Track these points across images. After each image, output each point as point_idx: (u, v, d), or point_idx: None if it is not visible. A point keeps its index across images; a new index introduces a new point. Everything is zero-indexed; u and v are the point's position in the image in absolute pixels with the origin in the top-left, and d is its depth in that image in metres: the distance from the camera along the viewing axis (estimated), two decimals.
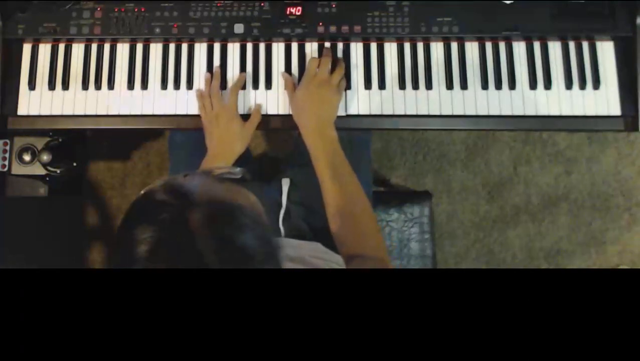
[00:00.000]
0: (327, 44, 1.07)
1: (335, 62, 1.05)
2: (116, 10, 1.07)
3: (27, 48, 1.09)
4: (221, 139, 1.03)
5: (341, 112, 1.06)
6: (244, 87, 1.07)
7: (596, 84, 1.05)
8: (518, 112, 1.05)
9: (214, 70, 1.07)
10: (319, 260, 1.04)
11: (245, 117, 1.05)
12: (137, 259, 0.55)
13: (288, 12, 1.06)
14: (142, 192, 0.62)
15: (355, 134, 1.22)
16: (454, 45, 1.07)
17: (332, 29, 1.06)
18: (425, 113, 1.05)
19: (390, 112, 1.06)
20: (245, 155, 1.28)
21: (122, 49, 1.09)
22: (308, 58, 1.08)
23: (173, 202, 0.57)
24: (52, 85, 1.08)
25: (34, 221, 1.67)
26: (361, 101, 1.06)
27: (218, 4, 1.07)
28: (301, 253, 1.02)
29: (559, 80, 1.06)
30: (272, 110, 1.06)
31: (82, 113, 1.07)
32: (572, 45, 1.07)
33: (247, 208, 0.60)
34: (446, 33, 1.05)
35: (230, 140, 1.03)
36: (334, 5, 1.06)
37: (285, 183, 1.16)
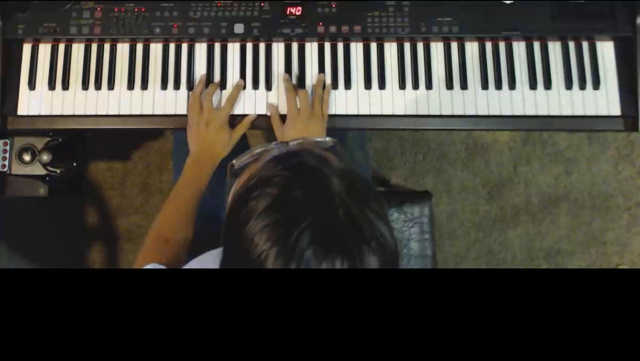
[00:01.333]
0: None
1: (312, 89, 1.05)
2: (116, 10, 1.07)
3: (27, 48, 1.09)
4: (207, 145, 1.02)
5: (341, 112, 1.06)
6: (243, 87, 1.07)
7: (596, 84, 1.05)
8: (518, 112, 1.05)
9: (214, 76, 1.07)
10: None
11: (241, 118, 1.05)
12: (274, 246, 0.51)
13: (288, 12, 1.06)
14: (241, 165, 0.60)
15: (353, 134, 1.22)
16: (454, 45, 1.07)
17: (332, 29, 1.06)
18: (425, 113, 1.05)
19: (390, 112, 1.06)
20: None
21: (122, 49, 1.09)
22: (308, 58, 1.08)
23: (303, 175, 0.55)
24: (52, 85, 1.08)
25: (34, 221, 1.67)
26: (361, 101, 1.06)
27: (218, 4, 1.07)
28: None
29: (559, 80, 1.06)
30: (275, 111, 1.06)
31: (82, 113, 1.07)
32: (572, 45, 1.07)
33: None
34: (446, 33, 1.05)
35: (216, 147, 1.03)
36: (334, 5, 1.06)
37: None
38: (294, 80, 1.07)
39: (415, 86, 1.06)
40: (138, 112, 1.07)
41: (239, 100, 1.06)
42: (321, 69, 1.07)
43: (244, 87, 1.07)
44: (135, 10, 1.07)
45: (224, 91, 1.07)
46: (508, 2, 1.05)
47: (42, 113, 1.08)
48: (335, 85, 1.07)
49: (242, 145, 1.29)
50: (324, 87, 1.06)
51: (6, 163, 1.16)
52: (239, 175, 0.63)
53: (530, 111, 1.05)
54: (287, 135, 1.01)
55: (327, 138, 0.67)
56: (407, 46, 1.08)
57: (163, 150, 1.79)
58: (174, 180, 1.10)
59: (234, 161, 0.64)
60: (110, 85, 1.08)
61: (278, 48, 1.08)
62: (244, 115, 1.06)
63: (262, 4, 1.07)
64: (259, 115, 1.06)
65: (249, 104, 1.07)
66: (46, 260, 1.64)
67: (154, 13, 1.07)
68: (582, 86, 1.05)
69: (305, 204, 0.53)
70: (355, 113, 1.06)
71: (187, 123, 1.05)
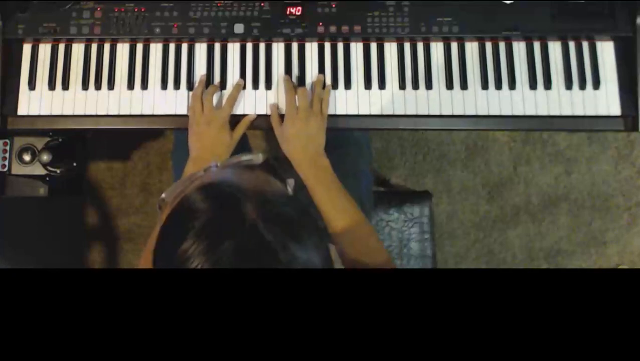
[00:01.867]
0: (295, 66, 1.07)
1: (312, 88, 1.05)
2: (116, 10, 1.07)
3: (27, 48, 1.09)
4: (208, 145, 1.02)
5: (341, 112, 1.06)
6: (243, 87, 1.07)
7: (596, 84, 1.05)
8: (518, 112, 1.05)
9: (214, 76, 1.07)
10: None
11: (241, 117, 1.06)
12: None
13: (288, 12, 1.06)
14: (166, 196, 0.59)
15: (355, 134, 1.22)
16: (454, 45, 1.07)
17: (332, 29, 1.06)
18: (425, 113, 1.05)
19: (390, 112, 1.06)
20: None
21: (122, 49, 1.09)
22: (308, 58, 1.08)
23: (215, 203, 0.55)
24: (52, 85, 1.08)
25: (34, 221, 1.67)
26: (361, 101, 1.06)
27: (218, 4, 1.07)
28: None
29: (559, 80, 1.06)
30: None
31: (82, 113, 1.07)
32: (572, 45, 1.07)
33: (282, 191, 0.60)
34: (446, 33, 1.05)
35: (217, 148, 1.02)
36: (334, 5, 1.06)
37: (290, 184, 1.16)
38: (294, 80, 1.07)
39: (415, 86, 1.06)
40: (138, 112, 1.07)
41: (239, 100, 1.06)
42: (321, 69, 1.07)
43: (244, 87, 1.07)
44: (135, 10, 1.07)
45: (223, 91, 1.07)
46: (508, 2, 1.05)
47: (42, 113, 1.07)
48: (335, 85, 1.07)
49: (242, 145, 1.30)
50: (324, 87, 1.06)
51: (6, 163, 1.16)
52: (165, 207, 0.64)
53: (530, 111, 1.05)
54: (286, 133, 1.01)
55: (259, 155, 0.67)
56: (407, 46, 1.08)
57: (163, 150, 1.79)
58: (174, 181, 1.10)
59: (163, 195, 0.64)
60: (110, 85, 1.08)
61: (278, 48, 1.08)
62: (245, 115, 1.06)
63: (262, 4, 1.07)
64: (259, 115, 1.06)
65: (249, 104, 1.07)
66: (46, 260, 1.64)
67: (154, 13, 1.07)
68: (582, 86, 1.05)
69: (222, 232, 0.53)
70: (355, 113, 1.06)
71: (187, 123, 1.04)
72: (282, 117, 1.04)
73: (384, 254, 0.98)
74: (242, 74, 1.07)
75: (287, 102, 1.03)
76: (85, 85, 1.08)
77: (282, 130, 1.02)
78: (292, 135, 1.00)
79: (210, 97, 1.04)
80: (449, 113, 1.05)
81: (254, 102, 1.07)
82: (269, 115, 1.05)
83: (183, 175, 1.01)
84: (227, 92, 1.07)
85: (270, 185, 0.59)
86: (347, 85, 1.06)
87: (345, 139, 1.20)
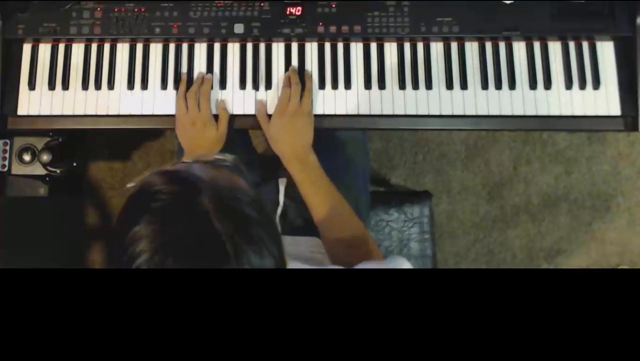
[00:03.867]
0: (294, 64, 1.07)
1: (303, 85, 1.05)
2: (116, 10, 1.07)
3: (27, 48, 1.09)
4: (198, 143, 1.03)
5: (341, 112, 1.06)
6: (243, 87, 1.07)
7: (596, 84, 1.05)
8: (518, 112, 1.05)
9: (214, 79, 1.07)
10: (319, 254, 1.05)
11: (241, 118, 1.06)
12: (142, 254, 0.52)
13: (288, 12, 1.06)
14: (133, 184, 0.60)
15: (353, 134, 1.22)
16: (454, 45, 1.07)
17: (332, 29, 1.06)
18: (425, 113, 1.05)
19: (390, 112, 1.06)
20: (251, 157, 1.28)
21: (122, 49, 1.09)
22: (308, 58, 1.08)
23: (174, 188, 0.56)
24: (52, 85, 1.08)
25: (34, 221, 1.67)
26: (361, 101, 1.06)
27: (218, 4, 1.07)
28: (300, 250, 1.03)
29: (559, 80, 1.06)
30: (272, 111, 1.06)
31: (82, 113, 1.07)
32: (572, 45, 1.07)
33: (247, 190, 0.60)
34: (446, 33, 1.05)
35: (208, 144, 1.03)
36: (334, 5, 1.06)
37: (282, 183, 1.16)
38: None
39: (415, 86, 1.06)
40: (138, 112, 1.07)
41: (240, 101, 1.06)
42: (321, 69, 1.07)
43: (244, 87, 1.07)
44: (135, 10, 1.07)
45: (223, 91, 1.07)
46: (508, 2, 1.05)
47: (42, 113, 1.07)
48: (335, 85, 1.07)
49: (243, 144, 1.30)
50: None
51: (6, 163, 1.16)
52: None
53: (530, 111, 1.05)
54: (273, 128, 1.01)
55: (230, 156, 0.67)
56: (407, 46, 1.08)
57: (163, 150, 1.79)
58: None
59: (129, 184, 0.64)
60: (110, 85, 1.08)
61: (278, 48, 1.08)
62: (245, 115, 1.06)
63: (262, 4, 1.07)
64: (253, 115, 1.06)
65: (249, 104, 1.07)
66: (46, 260, 1.64)
67: (154, 13, 1.07)
68: (582, 86, 1.05)
69: (174, 216, 0.54)
70: (355, 113, 1.06)
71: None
72: (269, 116, 1.04)
73: (375, 252, 0.99)
74: (242, 74, 1.07)
75: (280, 98, 1.03)
76: (85, 85, 1.08)
77: (270, 127, 1.02)
78: (279, 131, 1.01)
79: (193, 95, 1.03)
80: (449, 113, 1.05)
81: (254, 102, 1.07)
82: (270, 115, 1.05)
83: None
84: (226, 92, 1.07)
85: (233, 184, 0.60)
86: (347, 85, 1.06)
87: (343, 140, 1.21)
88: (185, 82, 1.06)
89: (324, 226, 0.98)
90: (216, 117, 1.05)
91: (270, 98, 1.07)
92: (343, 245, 0.98)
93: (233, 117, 1.06)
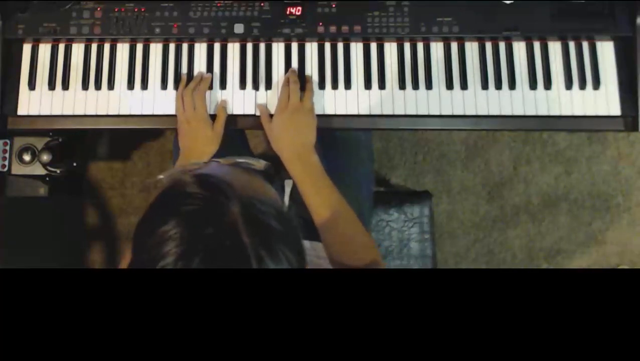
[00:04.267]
0: (295, 66, 1.07)
1: (303, 84, 1.05)
2: (116, 10, 1.07)
3: (27, 48, 1.09)
4: (193, 143, 1.03)
5: (341, 112, 1.06)
6: (243, 87, 1.07)
7: (596, 84, 1.05)
8: (518, 112, 1.05)
9: (213, 76, 1.07)
10: (321, 259, 1.04)
11: (242, 118, 1.06)
12: (166, 257, 0.52)
13: (288, 12, 1.06)
14: (164, 177, 0.59)
15: (357, 134, 1.22)
16: (454, 45, 1.07)
17: (332, 29, 1.06)
18: (425, 113, 1.05)
19: (390, 112, 1.06)
20: (247, 155, 1.28)
21: (122, 49, 1.09)
22: (308, 58, 1.08)
23: (206, 194, 0.55)
24: (52, 85, 1.08)
25: (34, 221, 1.67)
26: (361, 101, 1.06)
27: (218, 4, 1.07)
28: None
29: (559, 80, 1.06)
30: (272, 111, 1.06)
31: (82, 113, 1.07)
32: (572, 45, 1.07)
33: (274, 201, 0.60)
34: (446, 33, 1.05)
35: (202, 144, 1.03)
36: (334, 5, 1.06)
37: (288, 185, 1.16)
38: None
39: (415, 86, 1.06)
40: (138, 112, 1.07)
41: (240, 101, 1.06)
42: (321, 69, 1.07)
43: (244, 87, 1.07)
44: (135, 10, 1.07)
45: (223, 91, 1.07)
46: (508, 2, 1.05)
47: (42, 113, 1.08)
48: (335, 85, 1.07)
49: (242, 144, 1.30)
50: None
51: (6, 163, 1.16)
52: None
53: (530, 111, 1.05)
54: (275, 127, 1.01)
55: (262, 162, 0.67)
56: (407, 46, 1.08)
57: (163, 150, 1.79)
58: None
59: (161, 175, 0.64)
60: (110, 85, 1.08)
61: (278, 48, 1.08)
62: (245, 115, 1.06)
63: (262, 4, 1.07)
64: (253, 115, 1.06)
65: (249, 104, 1.07)
66: (46, 260, 1.64)
67: (154, 13, 1.07)
68: (582, 86, 1.05)
69: (203, 223, 0.54)
70: (355, 113, 1.06)
71: None
72: (271, 116, 1.04)
73: (372, 252, 0.98)
74: (242, 74, 1.07)
75: (280, 97, 1.03)
76: (85, 85, 1.08)
77: (272, 126, 1.02)
78: (281, 129, 1.00)
79: (189, 94, 1.04)
80: (449, 113, 1.05)
81: (254, 102, 1.07)
82: (271, 115, 1.05)
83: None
84: (226, 92, 1.07)
85: (263, 193, 0.59)
86: (347, 85, 1.06)
87: (347, 140, 1.20)
88: (184, 81, 1.06)
89: (324, 228, 0.97)
90: (214, 117, 1.05)
91: (270, 98, 1.07)
92: (343, 248, 0.97)
93: (233, 117, 1.06)
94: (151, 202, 0.59)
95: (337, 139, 1.20)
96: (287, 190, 1.15)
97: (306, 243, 1.06)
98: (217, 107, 1.06)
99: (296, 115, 1.00)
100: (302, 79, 1.07)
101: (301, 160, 0.99)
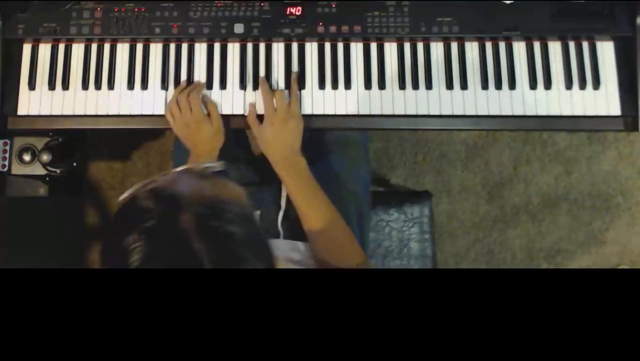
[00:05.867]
0: (295, 66, 1.07)
1: (289, 89, 1.05)
2: (116, 10, 1.07)
3: (27, 48, 1.09)
4: (200, 142, 1.04)
5: (341, 112, 1.06)
6: (243, 87, 1.07)
7: (596, 84, 1.05)
8: (518, 112, 1.05)
9: (213, 77, 1.07)
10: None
11: (243, 118, 1.06)
12: (133, 264, 0.54)
13: (288, 12, 1.06)
14: (122, 198, 0.62)
15: (353, 134, 1.22)
16: (454, 45, 1.07)
17: (332, 29, 1.06)
18: (425, 113, 1.05)
19: (390, 112, 1.06)
20: (245, 157, 1.28)
21: (122, 49, 1.09)
22: (308, 58, 1.08)
23: (159, 208, 0.57)
24: (52, 85, 1.08)
25: (34, 221, 1.67)
26: (361, 101, 1.06)
27: (218, 4, 1.07)
28: (299, 256, 1.03)
29: (559, 80, 1.06)
30: (260, 111, 1.06)
31: (82, 113, 1.07)
32: (572, 45, 1.07)
33: (233, 201, 0.60)
34: (446, 33, 1.05)
35: (209, 141, 1.04)
36: (334, 5, 1.06)
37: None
38: (295, 80, 1.07)
39: (415, 86, 1.06)
40: (138, 112, 1.07)
41: (240, 101, 1.06)
42: (321, 69, 1.07)
43: (244, 87, 1.07)
44: (135, 10, 1.07)
45: (223, 91, 1.07)
46: (508, 2, 1.05)
47: (42, 113, 1.07)
48: (335, 85, 1.07)
49: (241, 146, 1.29)
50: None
51: (6, 163, 1.16)
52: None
53: (530, 111, 1.05)
54: (265, 135, 1.02)
55: (216, 163, 0.69)
56: (407, 46, 1.08)
57: (163, 150, 1.79)
58: None
59: (120, 197, 0.66)
60: (110, 85, 1.08)
61: (278, 48, 1.08)
62: (245, 115, 1.06)
63: (262, 4, 1.07)
64: (258, 116, 1.06)
65: (250, 104, 1.07)
66: (46, 260, 1.64)
67: (154, 13, 1.07)
68: (582, 86, 1.05)
69: (157, 235, 0.56)
70: (355, 113, 1.06)
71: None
72: (260, 118, 1.04)
73: (360, 256, 1.00)
74: (242, 74, 1.07)
75: (265, 104, 1.04)
76: (85, 85, 1.08)
77: (261, 131, 1.03)
78: (271, 136, 1.01)
79: (184, 100, 1.04)
80: (449, 113, 1.05)
81: (255, 102, 1.07)
82: (246, 116, 1.06)
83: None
84: (226, 93, 1.07)
85: (219, 198, 0.60)
86: (347, 85, 1.06)
87: (344, 141, 1.21)
88: (183, 88, 1.06)
89: (311, 230, 0.99)
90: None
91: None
92: (330, 251, 0.98)
93: (234, 117, 1.06)
94: (113, 217, 0.62)
95: (333, 139, 1.20)
96: (284, 191, 1.15)
97: (300, 245, 1.06)
98: (207, 107, 1.06)
99: (285, 122, 1.02)
100: (303, 81, 1.06)
101: (290, 165, 1.01)
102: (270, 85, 1.06)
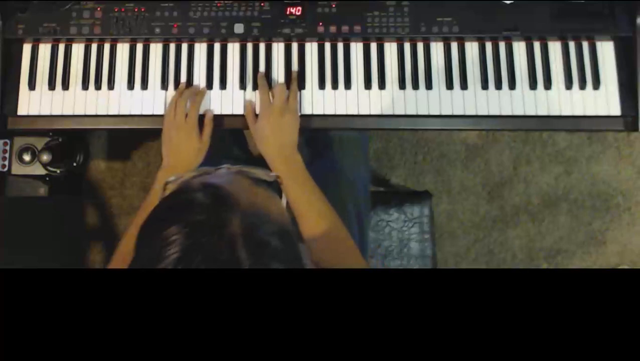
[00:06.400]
0: (295, 66, 1.07)
1: (287, 84, 1.05)
2: (116, 10, 1.07)
3: (27, 48, 1.09)
4: (177, 152, 1.02)
5: (341, 112, 1.06)
6: (243, 87, 1.07)
7: (596, 84, 1.05)
8: (518, 112, 1.05)
9: (213, 77, 1.07)
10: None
11: (243, 118, 1.06)
12: (166, 259, 0.53)
13: (288, 12, 1.06)
14: (171, 181, 0.59)
15: (353, 134, 1.22)
16: (454, 45, 1.07)
17: (332, 29, 1.06)
18: (425, 113, 1.05)
19: (390, 112, 1.06)
20: (244, 157, 1.28)
21: (122, 49, 1.09)
22: (308, 58, 1.08)
23: (212, 204, 0.55)
24: (52, 85, 1.08)
25: (34, 221, 1.67)
26: (361, 101, 1.06)
27: (218, 4, 1.07)
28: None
29: (559, 80, 1.06)
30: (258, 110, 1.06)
31: (82, 113, 1.07)
32: (572, 45, 1.07)
33: (279, 216, 0.60)
34: (446, 33, 1.05)
35: (186, 154, 1.02)
36: (334, 5, 1.06)
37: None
38: (296, 80, 1.07)
39: (415, 86, 1.06)
40: (138, 112, 1.07)
41: (239, 101, 1.06)
42: (321, 69, 1.07)
43: (244, 87, 1.07)
44: (135, 10, 1.07)
45: (223, 91, 1.07)
46: (508, 2, 1.05)
47: (42, 113, 1.07)
48: (335, 85, 1.07)
49: (241, 145, 1.30)
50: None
51: (6, 163, 1.17)
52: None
53: (530, 111, 1.05)
54: (261, 130, 1.01)
55: (272, 174, 0.68)
56: (407, 46, 1.08)
57: None
58: None
59: (172, 177, 0.65)
60: (110, 85, 1.08)
61: (278, 48, 1.08)
62: (244, 116, 1.06)
63: (262, 4, 1.07)
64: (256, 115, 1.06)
65: (250, 104, 1.07)
66: (46, 260, 1.64)
67: (154, 13, 1.07)
68: (582, 86, 1.05)
69: (204, 235, 0.54)
70: (355, 113, 1.06)
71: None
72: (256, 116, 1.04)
73: (357, 257, 0.98)
74: (242, 74, 1.07)
75: (261, 98, 1.03)
76: (85, 85, 1.08)
77: (257, 127, 1.02)
78: (268, 131, 1.00)
79: (183, 104, 1.03)
80: (449, 113, 1.05)
81: (253, 101, 1.07)
82: (244, 113, 1.05)
83: (155, 182, 1.01)
84: (226, 93, 1.07)
85: (267, 208, 0.59)
86: (347, 85, 1.06)
87: (343, 141, 1.21)
88: (182, 89, 1.06)
89: (307, 228, 0.97)
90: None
91: (271, 98, 1.06)
92: (326, 249, 0.96)
93: (234, 118, 1.06)
94: (159, 202, 0.60)
95: (332, 139, 1.20)
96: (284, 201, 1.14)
97: (300, 247, 1.06)
98: (204, 121, 1.04)
99: (281, 117, 1.01)
100: (303, 81, 1.06)
101: (287, 161, 0.99)
102: (270, 86, 1.06)
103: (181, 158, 1.01)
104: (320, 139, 1.21)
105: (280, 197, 0.66)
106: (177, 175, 0.65)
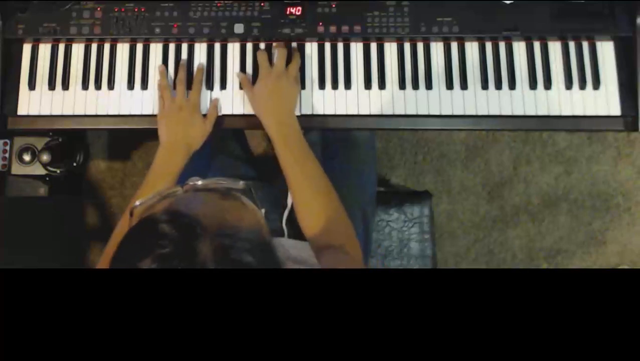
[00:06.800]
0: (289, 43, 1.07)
1: (290, 54, 1.05)
2: (116, 10, 1.07)
3: (27, 48, 1.09)
4: (181, 131, 1.00)
5: (341, 112, 1.06)
6: (242, 88, 1.07)
7: (596, 84, 1.05)
8: (518, 112, 1.05)
9: (214, 77, 1.07)
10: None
11: (243, 118, 1.06)
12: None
13: (288, 12, 1.06)
14: (139, 205, 0.58)
15: (360, 135, 1.22)
16: (454, 45, 1.07)
17: (332, 29, 1.06)
18: (425, 113, 1.05)
19: (390, 112, 1.06)
20: (245, 156, 1.28)
21: (122, 49, 1.09)
22: (308, 58, 1.08)
23: (176, 235, 0.54)
24: (52, 85, 1.08)
25: (34, 221, 1.67)
26: (361, 101, 1.06)
27: (218, 4, 1.07)
28: (303, 254, 1.02)
29: (559, 80, 1.06)
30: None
31: (82, 113, 1.07)
32: (572, 45, 1.07)
33: (253, 229, 0.59)
34: (446, 33, 1.05)
35: (191, 131, 1.01)
36: (333, 5, 1.06)
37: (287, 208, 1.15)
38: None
39: (415, 86, 1.06)
40: (138, 112, 1.07)
41: (239, 100, 1.06)
42: (321, 69, 1.07)
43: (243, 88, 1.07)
44: (135, 10, 1.07)
45: (223, 91, 1.07)
46: (508, 2, 1.05)
47: (42, 113, 1.07)
48: (335, 85, 1.07)
49: (241, 145, 1.30)
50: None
51: (6, 163, 1.17)
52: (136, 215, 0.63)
53: (530, 111, 1.05)
54: (258, 91, 1.00)
55: (240, 182, 0.65)
56: (407, 46, 1.08)
57: None
58: None
59: (137, 202, 0.63)
60: (111, 85, 1.08)
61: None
62: (244, 116, 1.06)
63: (262, 4, 1.07)
64: (253, 115, 1.06)
65: (250, 104, 1.07)
66: (46, 260, 1.64)
67: (154, 13, 1.07)
68: (582, 86, 1.05)
69: (176, 264, 0.54)
70: (355, 113, 1.06)
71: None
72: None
73: (347, 226, 0.96)
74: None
75: (261, 64, 1.03)
76: (85, 85, 1.08)
77: (254, 90, 1.02)
78: (263, 93, 1.00)
79: (182, 83, 1.03)
80: (449, 113, 1.05)
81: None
82: (240, 79, 1.05)
83: (154, 162, 1.00)
84: (225, 92, 1.07)
85: (242, 222, 0.58)
86: (347, 85, 1.06)
87: (350, 142, 1.20)
88: (164, 72, 1.05)
89: (299, 197, 0.95)
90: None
91: None
92: (321, 221, 0.94)
93: (234, 117, 1.06)
94: (125, 235, 0.59)
95: (340, 141, 1.20)
96: (285, 213, 1.13)
97: (304, 244, 1.06)
98: (209, 107, 1.05)
99: (280, 81, 1.00)
100: (303, 81, 1.06)
101: (281, 124, 0.98)
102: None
103: (183, 138, 1.00)
104: (325, 141, 1.21)
105: (255, 203, 0.64)
106: (142, 199, 0.63)
